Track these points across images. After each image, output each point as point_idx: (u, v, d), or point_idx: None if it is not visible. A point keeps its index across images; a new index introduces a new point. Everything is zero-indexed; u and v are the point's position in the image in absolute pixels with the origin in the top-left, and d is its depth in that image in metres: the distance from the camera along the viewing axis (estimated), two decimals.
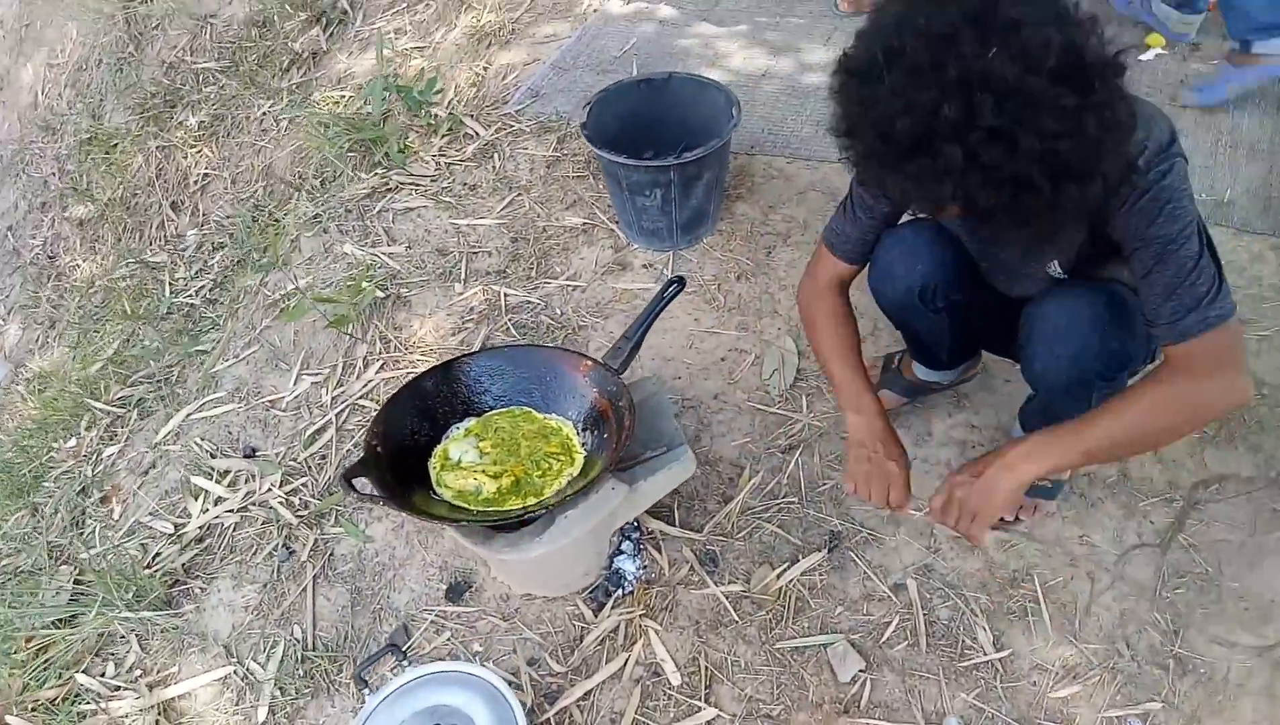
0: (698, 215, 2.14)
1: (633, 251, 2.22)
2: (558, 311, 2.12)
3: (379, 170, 2.56)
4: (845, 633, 1.56)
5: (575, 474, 1.52)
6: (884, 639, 1.54)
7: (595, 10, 2.97)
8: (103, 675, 1.64)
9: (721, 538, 1.70)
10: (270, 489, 1.89)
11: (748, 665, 1.54)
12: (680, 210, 2.09)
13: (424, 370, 1.62)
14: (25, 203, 4.03)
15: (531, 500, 1.48)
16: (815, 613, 1.59)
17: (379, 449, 1.48)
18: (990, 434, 1.77)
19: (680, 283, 1.67)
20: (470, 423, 1.61)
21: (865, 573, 1.63)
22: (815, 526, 1.70)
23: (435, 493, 1.51)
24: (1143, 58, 2.48)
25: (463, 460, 1.54)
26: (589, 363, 1.61)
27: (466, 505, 1.48)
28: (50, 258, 3.71)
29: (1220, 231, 2.01)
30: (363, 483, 1.41)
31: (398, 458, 1.51)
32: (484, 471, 1.52)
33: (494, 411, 1.63)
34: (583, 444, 1.58)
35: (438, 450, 1.57)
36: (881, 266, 1.45)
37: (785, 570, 1.63)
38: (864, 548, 1.66)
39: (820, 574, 1.63)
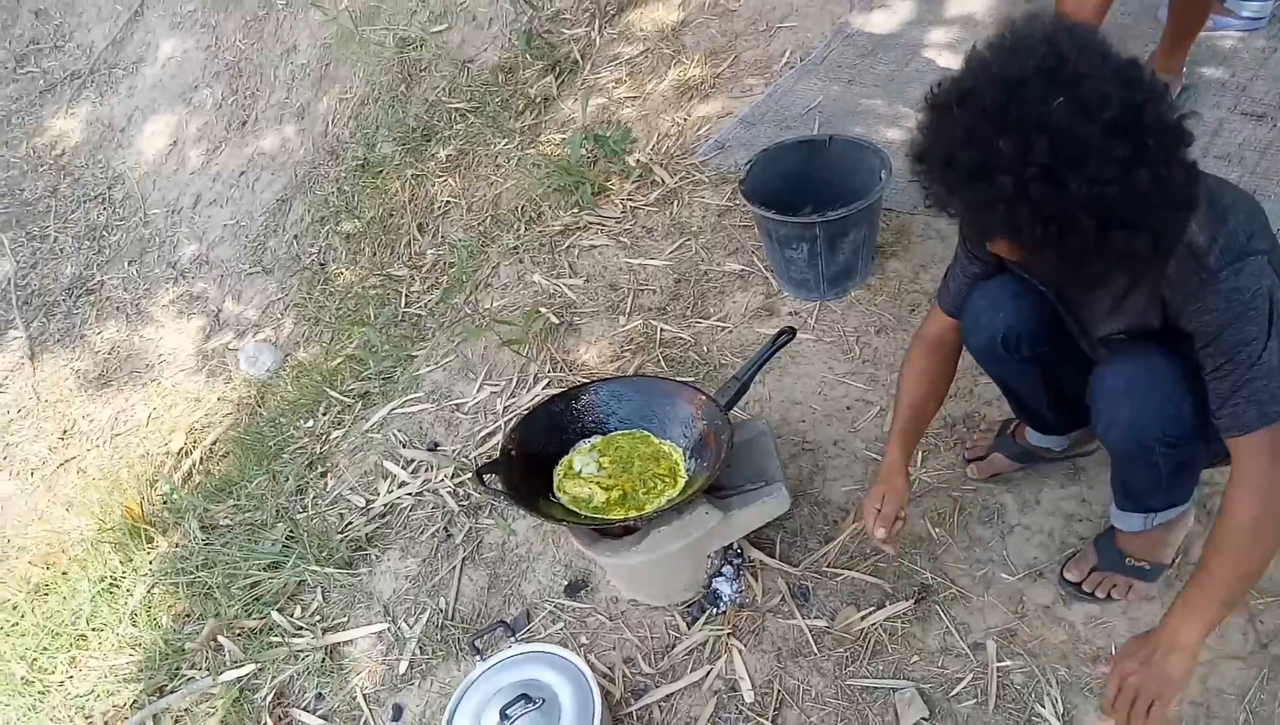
0: (845, 269, 2.25)
1: (782, 299, 2.37)
2: (704, 349, 2.31)
3: (574, 210, 2.88)
4: (916, 681, 1.62)
5: (675, 495, 1.71)
6: (953, 693, 1.60)
7: (791, 67, 3.14)
8: (292, 616, 2.03)
9: (816, 575, 1.82)
10: (443, 479, 2.23)
11: (818, 696, 1.65)
12: (826, 264, 2.22)
13: (563, 390, 1.87)
14: (309, 216, 4.79)
15: (634, 513, 1.68)
16: (891, 657, 1.67)
17: (512, 453, 1.75)
18: (1100, 510, 1.76)
19: (790, 333, 1.81)
20: (596, 439, 1.85)
21: (947, 627, 1.68)
22: (907, 577, 1.77)
23: (554, 496, 1.75)
24: None
25: (583, 471, 1.78)
26: (702, 398, 1.79)
27: (578, 510, 1.71)
28: (322, 265, 4.39)
29: None
30: (492, 479, 1.68)
31: (529, 462, 1.77)
32: (599, 483, 1.75)
33: (618, 432, 1.86)
34: (688, 469, 1.76)
35: (564, 460, 1.82)
36: (969, 316, 1.53)
37: (870, 613, 1.72)
38: (951, 603, 1.71)
39: (903, 622, 1.71)
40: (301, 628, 2.00)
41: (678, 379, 2.08)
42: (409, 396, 2.56)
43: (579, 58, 3.93)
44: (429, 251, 3.81)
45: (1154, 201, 1.02)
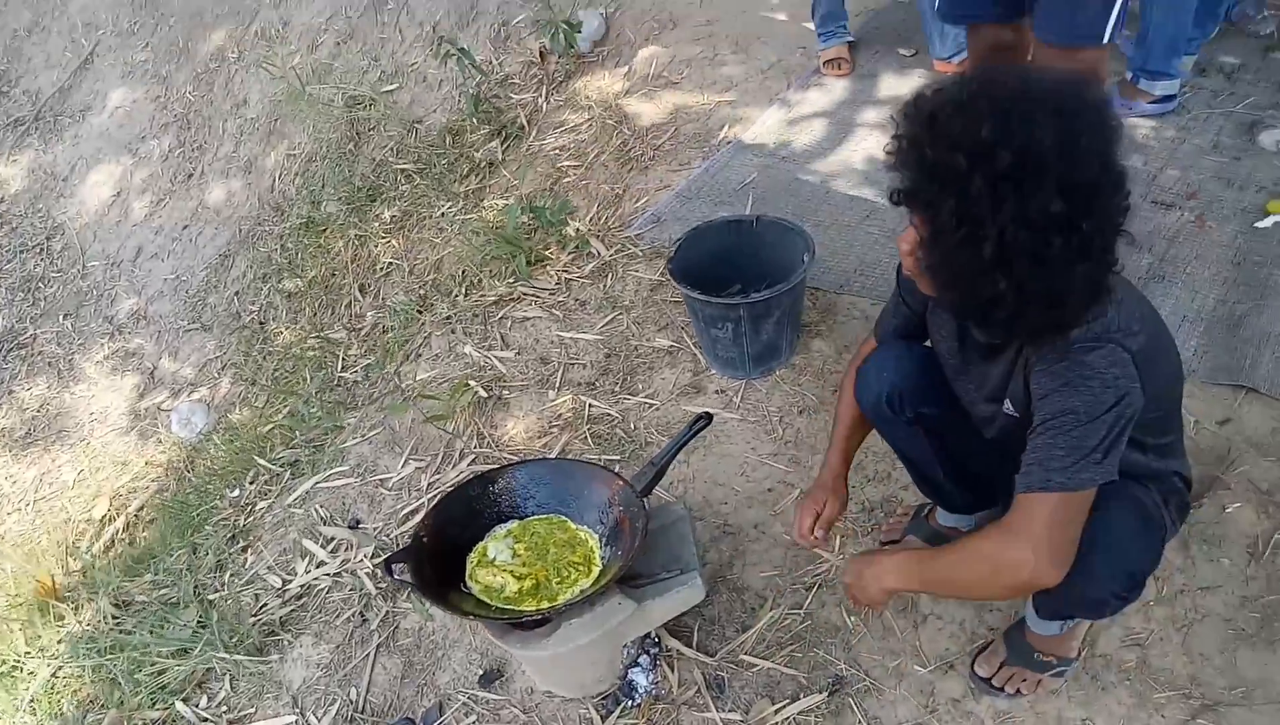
0: (769, 348, 2.27)
1: (709, 376, 2.38)
2: (631, 426, 2.31)
3: (510, 280, 2.88)
4: None
5: (589, 585, 1.69)
6: None
7: (728, 142, 3.19)
8: (198, 706, 1.96)
9: (732, 665, 1.80)
10: (362, 560, 2.19)
11: None
12: (751, 343, 2.23)
13: (481, 473, 1.85)
14: (252, 272, 4.74)
15: (546, 604, 1.66)
16: None
17: (425, 539, 1.72)
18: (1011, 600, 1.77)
19: (708, 418, 1.82)
20: (513, 525, 1.82)
21: (860, 720, 1.67)
22: (822, 668, 1.76)
23: (467, 585, 1.72)
24: (1259, 224, 2.38)
25: (497, 558, 1.75)
26: (619, 482, 1.78)
27: (489, 601, 1.68)
28: (261, 324, 4.33)
29: None
30: (401, 568, 1.65)
31: (443, 549, 1.74)
32: (512, 572, 1.72)
33: (535, 517, 1.84)
34: (602, 557, 1.75)
35: (479, 547, 1.79)
36: (860, 376, 1.59)
37: (784, 707, 1.71)
38: (864, 696, 1.71)
39: (817, 715, 1.70)
40: (206, 719, 1.93)
41: (597, 462, 2.08)
42: (335, 469, 2.52)
43: (525, 123, 3.97)
44: (369, 313, 3.79)
45: (1046, 275, 1.05)
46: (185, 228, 5.31)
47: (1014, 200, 1.01)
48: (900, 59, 3.38)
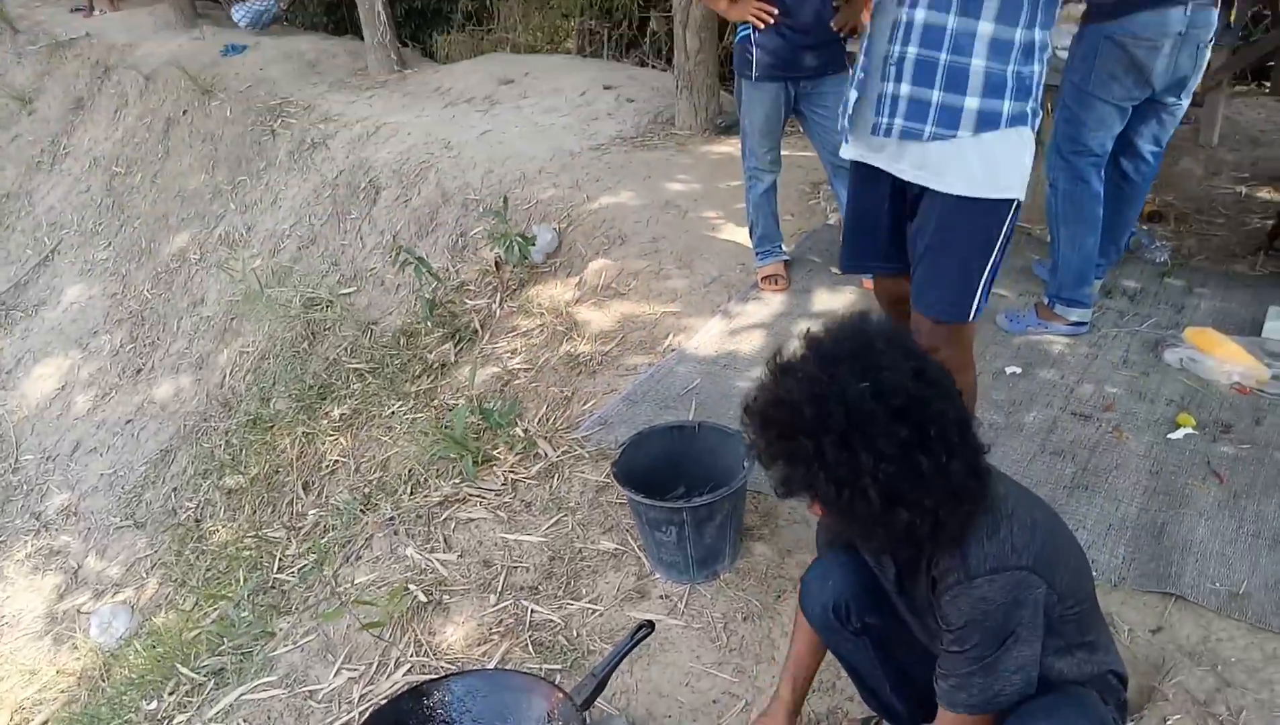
0: (712, 552, 2.29)
1: (654, 581, 2.37)
2: (574, 633, 2.27)
3: (457, 480, 2.89)
4: None
5: None
6: None
7: (673, 350, 3.34)
8: None
9: None
10: None
11: None
12: (694, 547, 2.25)
13: (414, 685, 1.79)
14: (193, 468, 4.67)
15: None
16: None
17: None
18: None
19: (649, 627, 1.81)
20: None
21: None
22: None
23: None
24: (1172, 436, 2.53)
25: None
26: (560, 695, 1.74)
27: None
28: (197, 521, 4.23)
29: (1234, 626, 1.95)
30: None
31: None
32: None
33: None
34: None
35: None
36: (804, 585, 1.62)
37: None
38: None
39: None
40: None
41: (537, 673, 2.02)
42: (262, 679, 2.40)
43: (479, 327, 4.10)
44: (310, 512, 3.73)
45: (933, 486, 1.15)
46: (128, 422, 5.27)
47: (866, 449, 1.13)
48: (832, 276, 3.63)
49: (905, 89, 1.73)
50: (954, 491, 1.19)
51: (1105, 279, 3.24)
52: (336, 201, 5.42)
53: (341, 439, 4.02)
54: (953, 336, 1.93)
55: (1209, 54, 2.74)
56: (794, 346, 1.28)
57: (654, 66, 6.78)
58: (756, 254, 3.61)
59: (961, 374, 2.03)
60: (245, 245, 5.79)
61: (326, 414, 4.21)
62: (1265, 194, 4.05)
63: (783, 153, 3.45)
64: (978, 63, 1.67)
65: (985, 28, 1.64)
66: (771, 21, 3.01)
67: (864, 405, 1.13)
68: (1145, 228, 3.63)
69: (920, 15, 1.67)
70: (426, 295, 4.27)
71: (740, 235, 3.87)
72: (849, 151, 1.97)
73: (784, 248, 3.65)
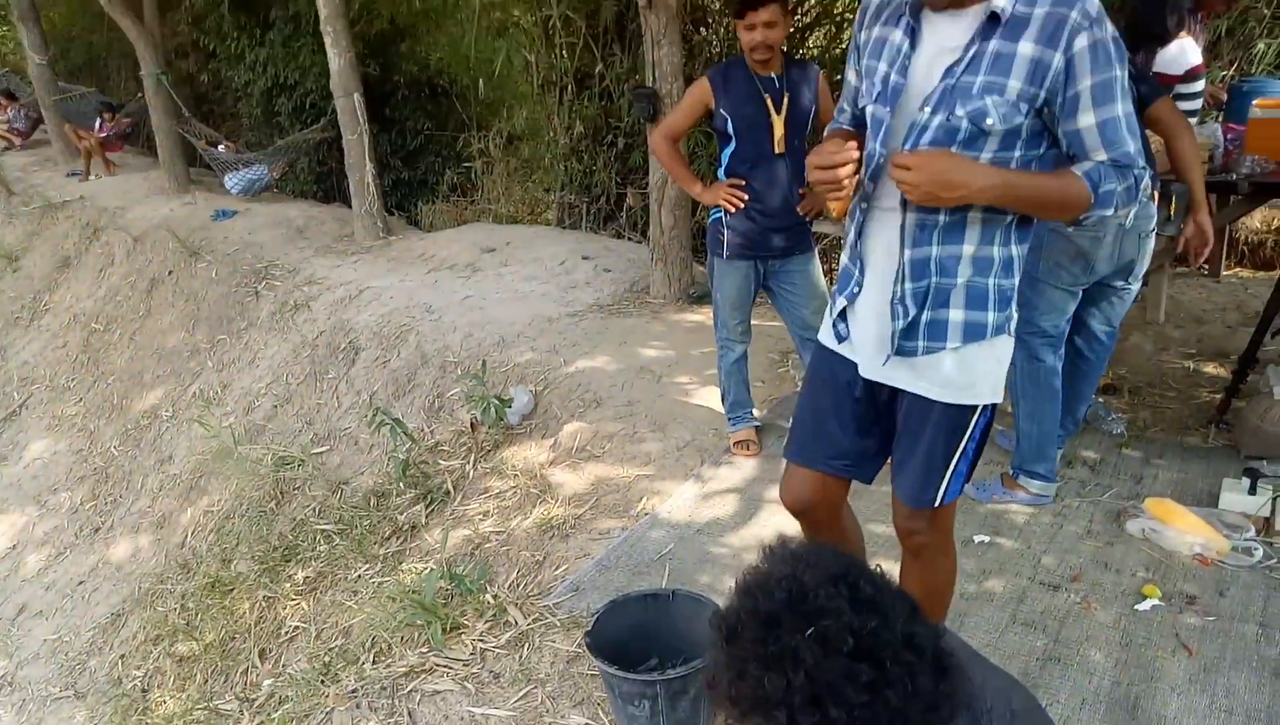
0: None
1: None
2: None
3: (424, 649, 2.82)
4: None
5: None
6: None
7: (647, 514, 3.35)
8: None
9: None
10: None
11: None
12: (668, 722, 2.19)
13: None
14: (144, 634, 4.49)
15: None
16: None
17: None
18: None
19: None
20: None
21: None
22: None
23: None
24: (1139, 607, 2.55)
25: None
26: None
27: None
28: (144, 691, 4.03)
29: None
30: None
31: None
32: None
33: None
34: None
35: None
36: None
37: None
38: None
39: None
40: None
41: None
42: None
43: (451, 488, 4.10)
44: (266, 682, 3.58)
45: (909, 713, 1.12)
46: (80, 584, 5.11)
47: (834, 703, 1.09)
48: None
49: (900, 323, 1.78)
50: (928, 705, 1.17)
51: (1065, 449, 3.34)
52: (315, 361, 5.50)
53: (304, 603, 3.92)
54: (929, 520, 1.96)
55: (1152, 241, 2.94)
56: (729, 602, 1.20)
57: (630, 239, 7.10)
58: (729, 419, 3.69)
59: (940, 557, 2.06)
60: (220, 403, 5.81)
61: (290, 577, 4.11)
62: (1211, 369, 4.24)
63: (753, 322, 3.59)
64: (962, 280, 1.74)
65: (968, 249, 1.73)
66: (742, 206, 3.21)
67: (820, 662, 1.10)
68: (1101, 400, 3.77)
69: (908, 254, 1.75)
70: (400, 455, 4.28)
71: (713, 401, 3.97)
72: (826, 339, 1.97)
73: (755, 414, 3.73)
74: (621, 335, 4.86)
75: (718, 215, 3.32)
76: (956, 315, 1.76)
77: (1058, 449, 3.18)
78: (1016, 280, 1.79)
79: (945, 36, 1.64)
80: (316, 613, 3.81)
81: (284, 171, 8.72)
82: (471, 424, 4.32)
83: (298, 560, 4.19)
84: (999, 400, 1.88)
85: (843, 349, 1.94)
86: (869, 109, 1.77)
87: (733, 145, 3.24)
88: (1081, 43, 1.54)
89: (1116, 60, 1.56)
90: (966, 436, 1.86)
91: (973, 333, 1.77)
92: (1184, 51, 3.67)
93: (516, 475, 3.89)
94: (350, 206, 7.44)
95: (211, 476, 5.24)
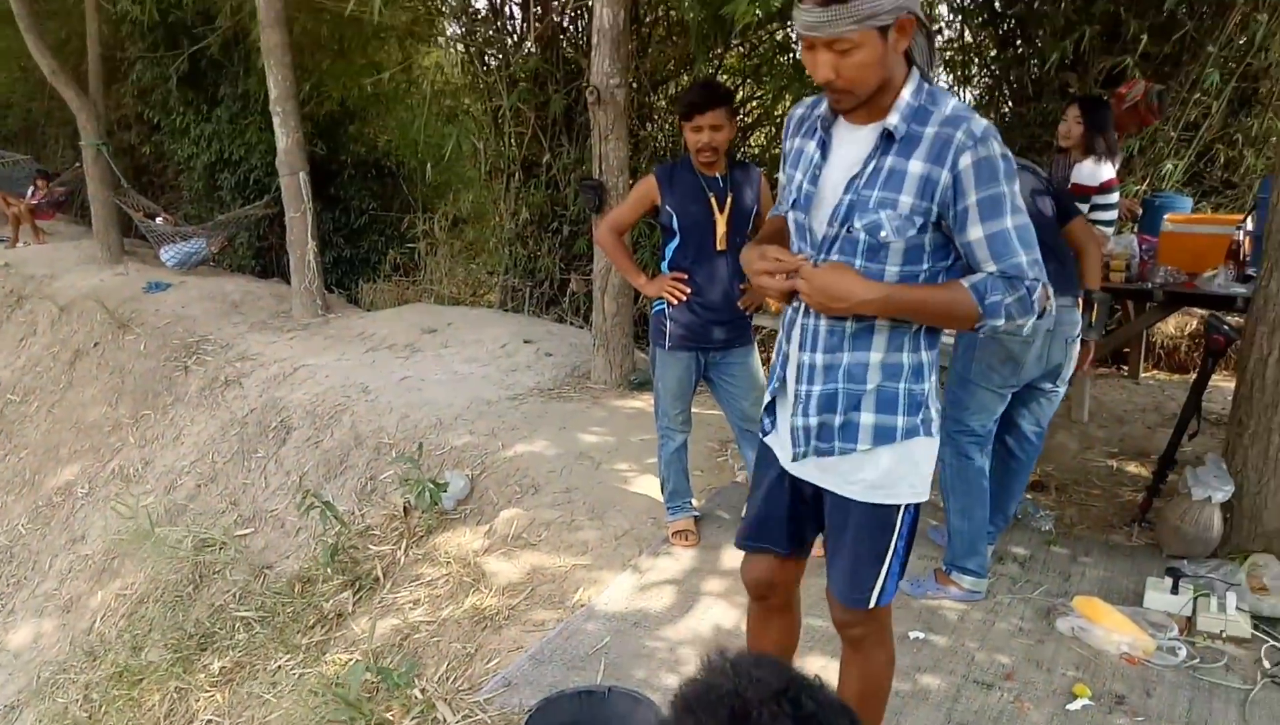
0: None
1: None
2: None
3: None
4: None
5: None
6: None
7: (583, 605, 3.29)
8: None
9: None
10: None
11: None
12: None
13: None
14: None
15: None
16: None
17: None
18: None
19: None
20: None
21: None
22: None
23: None
24: (1070, 707, 2.58)
25: None
26: None
27: None
28: None
29: None
30: None
31: None
32: None
33: None
34: None
35: None
36: None
37: None
38: None
39: None
40: None
41: None
42: None
43: (381, 575, 3.97)
44: None
45: None
46: None
47: None
48: None
49: (814, 420, 1.86)
50: None
51: (996, 545, 3.40)
52: (244, 440, 5.35)
53: (219, 695, 3.72)
54: (865, 616, 1.98)
55: (1078, 346, 3.08)
56: (670, 715, 1.19)
57: (573, 323, 7.15)
58: (668, 509, 3.68)
59: (877, 648, 2.06)
60: (140, 481, 5.59)
61: (205, 667, 3.91)
62: (1134, 468, 4.39)
63: (693, 412, 3.62)
64: (871, 385, 1.81)
65: (875, 357, 1.80)
66: (684, 299, 3.27)
67: None
68: (1029, 497, 3.87)
69: (820, 358, 1.83)
70: (328, 539, 4.15)
71: (651, 488, 3.96)
72: (767, 436, 2.05)
73: (694, 503, 3.73)
74: (561, 420, 4.85)
75: (661, 306, 3.37)
76: (868, 418, 1.83)
77: (989, 545, 3.23)
78: (928, 385, 1.86)
79: (849, 151, 1.74)
80: (232, 706, 3.62)
81: (223, 246, 8.62)
82: (404, 508, 4.22)
83: (214, 649, 3.99)
84: (921, 500, 1.92)
85: (770, 441, 2.01)
86: (789, 215, 1.87)
87: (677, 240, 3.31)
88: (966, 160, 1.61)
89: (1004, 177, 1.63)
90: (895, 536, 1.90)
91: (883, 436, 1.83)
92: (1100, 166, 3.93)
93: (449, 562, 3.80)
94: (289, 282, 7.36)
95: (126, 558, 5.01)
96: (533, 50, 6.91)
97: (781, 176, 1.98)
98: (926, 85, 1.69)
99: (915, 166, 1.65)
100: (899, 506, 1.88)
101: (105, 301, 7.05)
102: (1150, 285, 4.09)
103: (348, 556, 4.09)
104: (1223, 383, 4.97)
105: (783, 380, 1.94)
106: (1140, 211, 4.98)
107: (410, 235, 8.77)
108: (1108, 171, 3.95)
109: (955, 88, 6.64)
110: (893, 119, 1.66)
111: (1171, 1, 4.84)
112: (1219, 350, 3.55)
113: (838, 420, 1.84)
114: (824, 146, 1.78)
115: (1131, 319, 5.19)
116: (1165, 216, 4.42)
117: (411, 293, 8.56)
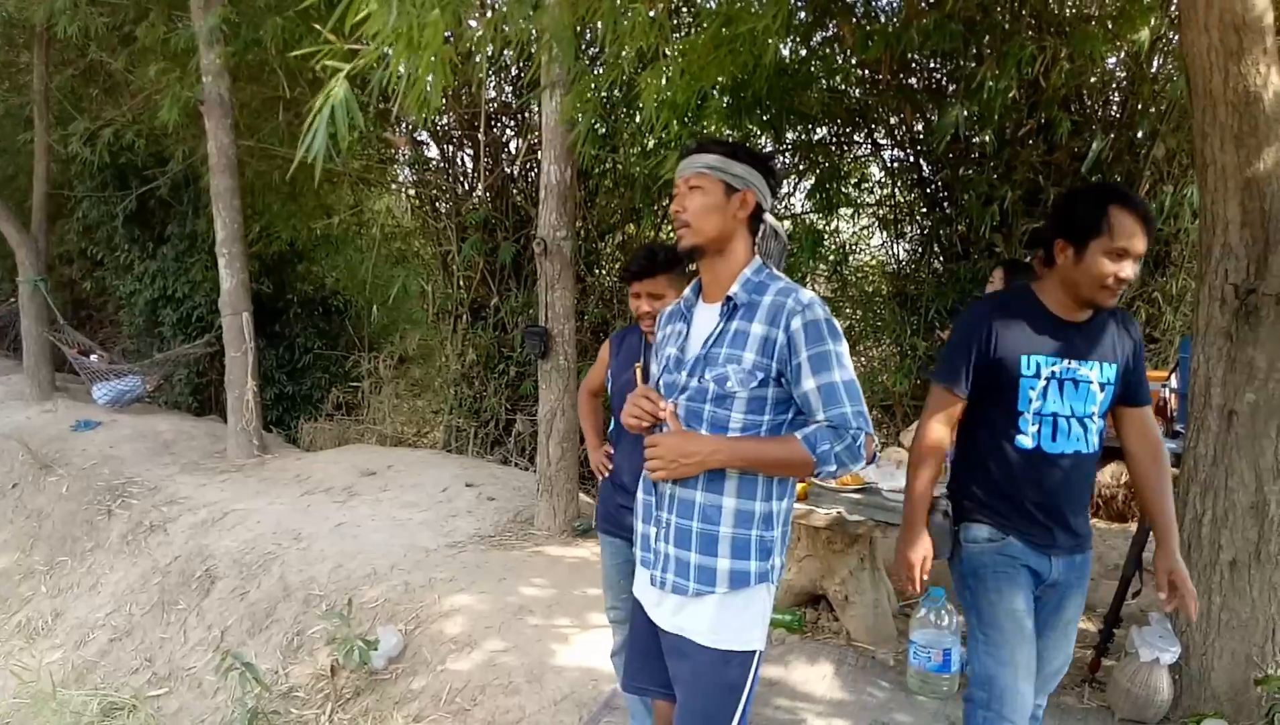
0: None
1: None
2: None
3: None
4: None
5: None
6: None
7: None
8: None
9: None
10: None
11: None
12: None
13: None
14: None
15: None
16: None
17: None
18: None
19: None
20: None
21: None
22: None
23: None
24: None
25: None
26: None
27: None
28: None
29: None
30: None
31: None
32: None
33: None
34: None
35: None
36: None
37: None
38: None
39: None
40: None
41: None
42: None
43: None
44: None
45: None
46: None
47: None
48: None
49: (672, 549, 1.99)
50: None
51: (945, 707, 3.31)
52: (165, 590, 5.06)
53: None
54: None
55: None
56: None
57: (517, 465, 7.05)
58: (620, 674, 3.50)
59: None
60: (48, 634, 5.22)
61: None
62: (1082, 624, 4.36)
63: None
64: (725, 529, 1.94)
65: (729, 502, 1.94)
66: (606, 474, 2.90)
67: None
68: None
69: (676, 490, 1.98)
70: (248, 703, 3.88)
71: (592, 648, 3.81)
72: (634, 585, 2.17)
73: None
74: (502, 570, 4.69)
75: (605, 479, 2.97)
76: (724, 564, 1.95)
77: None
78: (777, 533, 1.99)
79: (705, 319, 2.03)
80: None
81: (159, 385, 8.42)
82: (332, 668, 3.98)
83: None
84: (764, 647, 2.02)
85: (638, 588, 2.14)
86: (660, 381, 2.08)
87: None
88: (797, 323, 1.87)
89: (829, 337, 1.88)
90: (744, 685, 1.97)
91: (738, 579, 1.95)
92: None
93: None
94: (226, 421, 7.18)
95: None
96: (484, 198, 7.09)
97: (654, 367, 2.18)
98: (767, 269, 1.99)
99: (756, 328, 1.91)
100: (744, 653, 1.97)
101: (29, 441, 6.77)
102: None
103: (268, 722, 3.81)
104: None
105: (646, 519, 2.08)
106: None
107: (355, 373, 8.69)
108: None
109: (889, 243, 6.93)
110: (734, 288, 1.95)
111: (1087, 168, 5.16)
112: None
113: (694, 559, 1.96)
114: (687, 322, 2.07)
115: None
116: None
117: (354, 432, 8.41)
